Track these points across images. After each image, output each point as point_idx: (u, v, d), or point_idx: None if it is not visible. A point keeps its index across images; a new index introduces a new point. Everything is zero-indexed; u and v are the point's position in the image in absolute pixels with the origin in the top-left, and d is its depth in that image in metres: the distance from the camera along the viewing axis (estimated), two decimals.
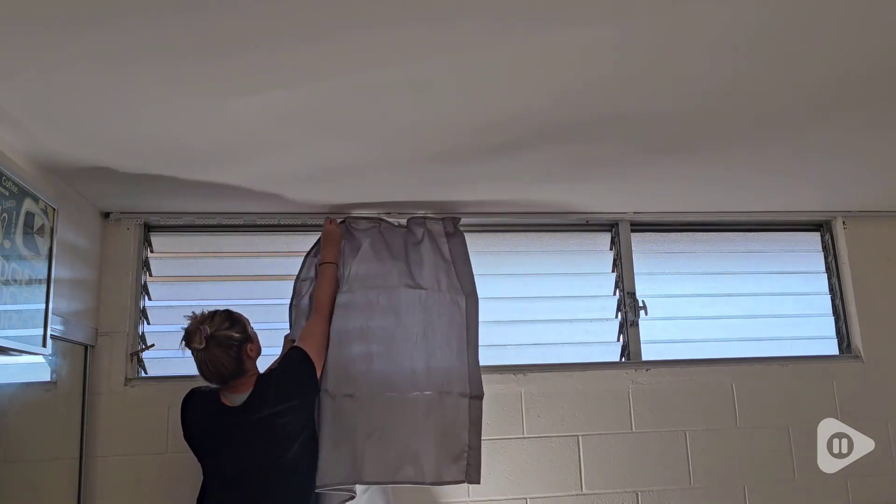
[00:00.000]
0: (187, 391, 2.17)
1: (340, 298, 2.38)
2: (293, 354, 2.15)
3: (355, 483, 2.20)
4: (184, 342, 2.05)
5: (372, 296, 2.41)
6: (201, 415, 2.09)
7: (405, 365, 2.36)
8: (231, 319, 2.10)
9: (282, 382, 2.09)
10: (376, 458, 2.23)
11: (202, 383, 2.15)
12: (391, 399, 2.31)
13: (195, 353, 2.04)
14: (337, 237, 2.45)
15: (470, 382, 2.37)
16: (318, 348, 2.20)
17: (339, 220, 2.53)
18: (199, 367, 2.05)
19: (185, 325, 2.08)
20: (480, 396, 2.37)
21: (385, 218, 2.58)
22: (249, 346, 2.10)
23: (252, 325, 2.19)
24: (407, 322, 2.40)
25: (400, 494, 2.38)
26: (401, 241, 2.55)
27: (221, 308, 2.14)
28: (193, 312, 2.10)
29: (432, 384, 2.35)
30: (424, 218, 2.58)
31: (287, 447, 2.04)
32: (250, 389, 2.06)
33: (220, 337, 2.04)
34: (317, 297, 2.33)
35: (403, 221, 2.60)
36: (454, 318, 2.43)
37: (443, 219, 2.58)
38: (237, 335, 2.07)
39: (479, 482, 2.31)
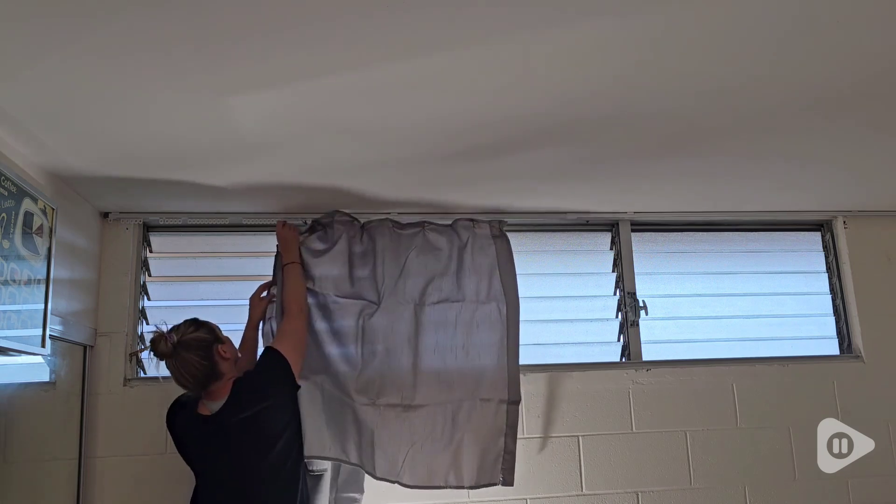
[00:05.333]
0: (175, 398, 2.15)
1: (382, 311, 2.43)
2: (266, 354, 2.13)
3: (395, 482, 2.32)
4: (150, 353, 2.02)
5: (418, 310, 2.47)
6: (182, 426, 2.09)
7: (447, 376, 2.43)
8: (197, 324, 2.08)
9: (255, 383, 2.07)
10: (418, 466, 2.34)
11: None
12: (433, 409, 2.39)
13: (167, 363, 2.01)
14: (293, 238, 2.41)
15: (508, 388, 2.44)
16: (294, 346, 2.16)
17: (292, 223, 2.46)
18: (175, 376, 2.01)
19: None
20: (518, 401, 2.43)
21: (431, 220, 2.59)
22: (220, 346, 2.06)
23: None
24: (448, 335, 2.47)
25: (398, 489, 2.37)
26: (445, 245, 2.56)
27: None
28: (157, 326, 2.06)
29: (472, 393, 2.42)
30: (472, 220, 2.59)
31: (271, 445, 2.04)
32: (227, 395, 2.03)
33: (187, 341, 2.01)
34: (286, 298, 2.29)
35: (412, 220, 2.59)
36: (494, 327, 2.49)
37: (489, 221, 2.60)
38: (206, 336, 2.05)
39: (512, 484, 2.37)
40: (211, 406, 2.03)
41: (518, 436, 2.52)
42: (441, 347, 2.46)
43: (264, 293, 2.43)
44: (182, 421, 2.09)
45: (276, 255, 2.47)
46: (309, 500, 2.19)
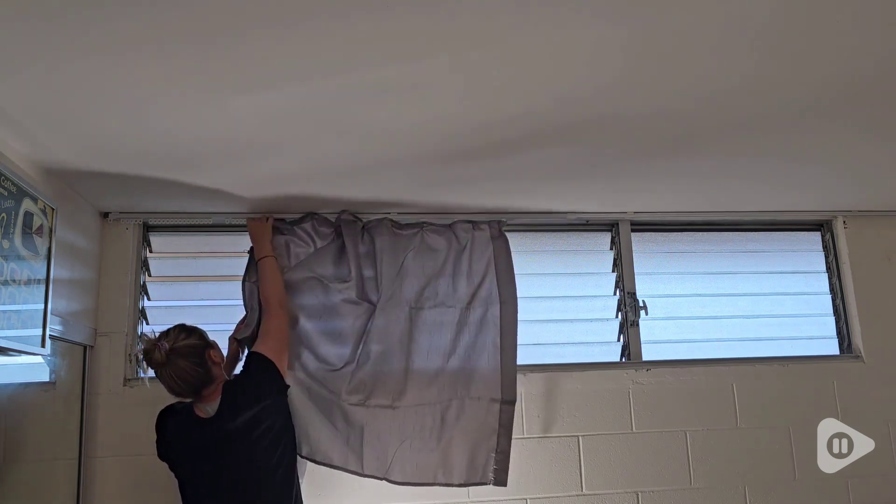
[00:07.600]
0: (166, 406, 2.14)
1: (379, 313, 2.44)
2: (252, 360, 2.14)
3: (383, 479, 2.32)
4: (144, 362, 2.01)
5: (413, 313, 2.48)
6: (178, 430, 2.08)
7: (438, 377, 2.43)
8: (187, 330, 2.08)
9: (248, 387, 2.09)
10: (407, 462, 2.33)
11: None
12: (423, 408, 2.39)
13: (159, 370, 2.00)
14: (265, 231, 2.42)
15: (503, 388, 2.43)
16: (277, 345, 2.18)
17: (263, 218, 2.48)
18: (168, 384, 2.01)
19: (140, 348, 2.05)
20: (512, 401, 2.42)
21: (430, 221, 2.59)
22: (211, 351, 2.08)
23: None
24: (442, 338, 2.47)
25: (398, 491, 2.38)
26: (443, 247, 2.56)
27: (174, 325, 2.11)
28: (144, 334, 2.07)
29: (463, 392, 2.42)
30: (471, 222, 2.59)
31: (271, 447, 2.06)
32: (219, 398, 2.04)
33: (180, 348, 2.01)
34: (264, 295, 2.30)
35: (412, 221, 2.60)
36: (488, 330, 2.49)
37: (489, 222, 2.60)
38: (197, 342, 2.06)
39: (505, 485, 2.36)
40: (205, 408, 2.04)
41: (518, 436, 2.53)
42: (434, 350, 2.46)
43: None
44: (178, 425, 2.09)
45: (249, 254, 2.48)
46: (302, 502, 2.19)
